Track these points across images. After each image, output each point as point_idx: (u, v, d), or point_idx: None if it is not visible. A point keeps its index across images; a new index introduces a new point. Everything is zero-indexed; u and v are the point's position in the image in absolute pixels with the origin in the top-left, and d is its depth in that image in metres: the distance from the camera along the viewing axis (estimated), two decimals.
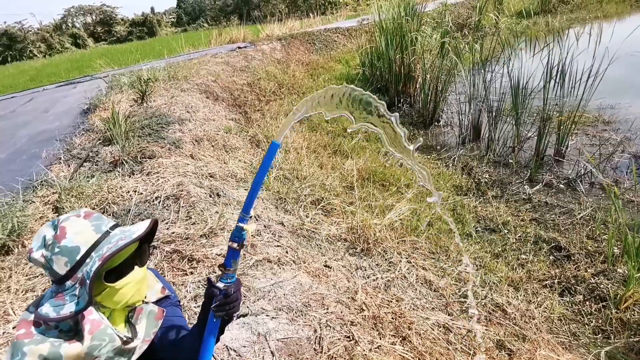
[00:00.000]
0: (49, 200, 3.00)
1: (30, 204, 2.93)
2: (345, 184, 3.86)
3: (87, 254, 0.85)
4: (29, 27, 21.28)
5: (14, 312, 2.06)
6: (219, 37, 11.66)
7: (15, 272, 2.29)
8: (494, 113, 4.51)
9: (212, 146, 4.34)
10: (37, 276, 2.29)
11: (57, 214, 2.81)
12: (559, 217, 3.33)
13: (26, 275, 2.28)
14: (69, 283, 0.86)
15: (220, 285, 0.95)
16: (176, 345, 1.04)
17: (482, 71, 4.66)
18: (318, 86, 7.72)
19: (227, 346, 1.69)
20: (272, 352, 1.66)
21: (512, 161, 4.19)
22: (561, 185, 3.77)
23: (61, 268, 0.85)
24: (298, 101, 6.78)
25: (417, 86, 6.24)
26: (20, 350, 0.83)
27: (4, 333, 1.95)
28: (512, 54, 4.22)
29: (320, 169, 4.19)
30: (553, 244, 3.02)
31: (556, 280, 2.70)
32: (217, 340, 1.05)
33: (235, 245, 0.94)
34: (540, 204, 3.53)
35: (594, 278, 2.63)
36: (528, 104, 4.32)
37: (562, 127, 4.08)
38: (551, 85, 4.18)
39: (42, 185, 3.24)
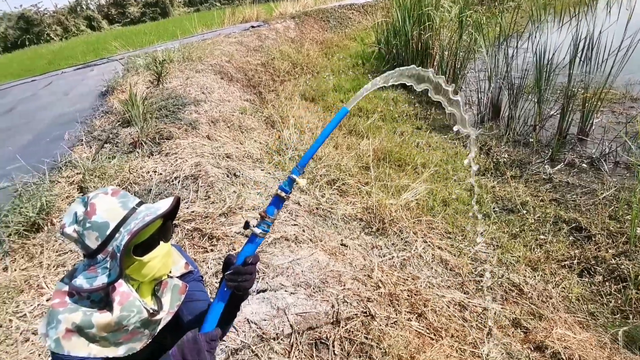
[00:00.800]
0: (73, 181, 3.11)
1: (56, 184, 3.04)
2: (360, 164, 3.85)
3: (117, 228, 0.89)
4: (44, 10, 21.45)
5: (46, 285, 2.18)
6: (232, 17, 11.51)
7: (47, 249, 2.41)
8: (515, 90, 4.36)
9: (228, 127, 4.37)
10: (67, 252, 2.40)
11: (82, 194, 2.92)
12: (580, 197, 3.25)
13: (56, 252, 2.40)
14: (100, 257, 0.90)
15: (257, 230, 0.97)
16: (197, 318, 1.09)
17: (504, 46, 4.48)
18: (332, 65, 7.59)
19: (247, 319, 1.76)
20: (291, 326, 1.72)
21: (532, 140, 4.08)
22: (584, 165, 3.66)
23: (92, 242, 0.88)
24: (312, 81, 6.71)
25: (435, 64, 6.06)
26: (55, 318, 0.89)
27: (38, 305, 2.08)
28: (537, 28, 4.03)
29: (336, 149, 4.17)
30: (573, 225, 2.97)
31: (575, 261, 2.67)
32: (232, 317, 1.07)
33: (283, 194, 0.96)
34: (561, 184, 3.45)
35: (615, 259, 2.59)
36: (552, 81, 4.15)
37: (587, 105, 3.92)
38: (577, 61, 4.00)
39: (66, 166, 3.35)
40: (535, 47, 4.07)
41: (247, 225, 0.98)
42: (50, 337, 0.88)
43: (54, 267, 2.28)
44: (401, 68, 1.08)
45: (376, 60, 7.44)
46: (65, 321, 0.89)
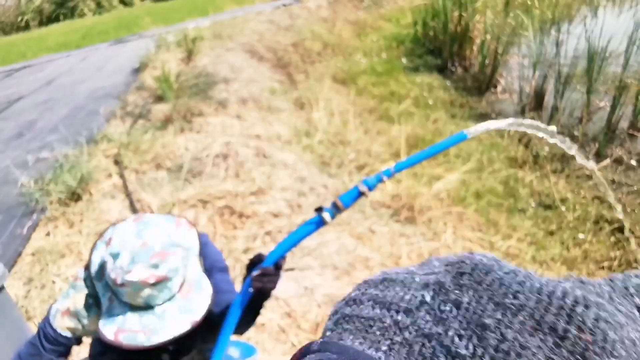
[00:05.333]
0: (109, 154, 3.21)
1: (94, 156, 3.14)
2: (391, 150, 3.76)
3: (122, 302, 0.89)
4: None
5: (86, 251, 2.28)
6: None
7: (86, 218, 2.51)
8: (562, 79, 4.09)
9: (257, 107, 4.35)
10: (104, 222, 2.49)
11: (116, 167, 3.00)
12: (626, 196, 3.05)
13: (95, 220, 2.50)
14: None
15: (328, 218, 0.94)
16: (223, 310, 1.08)
17: (554, 31, 4.18)
18: (365, 47, 7.38)
19: (276, 296, 1.77)
20: (318, 305, 1.73)
21: (577, 133, 3.84)
22: (633, 162, 3.42)
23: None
24: (343, 63, 6.56)
25: (475, 48, 5.76)
26: (69, 290, 0.97)
27: (79, 270, 2.18)
28: (592, 12, 3.72)
29: (365, 134, 4.09)
30: (616, 225, 2.80)
31: (615, 262, 2.53)
32: (254, 318, 1.06)
33: (364, 189, 0.93)
34: (606, 182, 3.25)
35: None
36: (603, 70, 3.86)
37: None
38: (634, 49, 3.69)
39: (102, 139, 3.45)
40: (588, 33, 3.77)
41: (320, 209, 0.95)
42: (55, 304, 0.94)
43: (92, 235, 2.38)
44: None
45: (411, 42, 7.17)
46: (71, 300, 0.94)
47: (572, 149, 1.04)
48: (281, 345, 1.61)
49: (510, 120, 0.98)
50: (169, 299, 0.88)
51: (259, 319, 1.64)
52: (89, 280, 0.95)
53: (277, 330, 1.66)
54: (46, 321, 0.96)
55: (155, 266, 0.83)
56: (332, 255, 2.11)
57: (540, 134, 1.01)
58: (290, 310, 1.73)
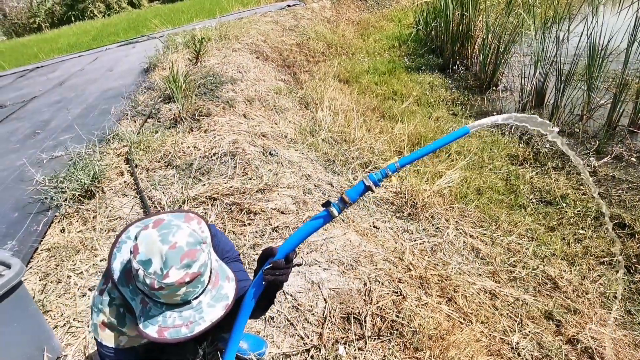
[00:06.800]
0: (121, 153, 3.30)
1: (106, 155, 3.24)
2: (394, 148, 3.82)
3: (159, 304, 0.94)
4: None
5: (100, 247, 2.37)
6: None
7: (99, 214, 2.60)
8: (563, 77, 4.12)
9: (263, 106, 4.43)
10: (116, 219, 2.59)
11: (128, 165, 3.10)
12: (626, 192, 3.10)
13: (107, 217, 2.59)
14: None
15: (335, 212, 0.99)
16: (239, 299, 1.13)
17: (555, 29, 4.21)
18: (368, 47, 7.44)
19: (284, 291, 1.85)
20: (324, 299, 1.80)
21: (578, 130, 3.88)
22: (633, 159, 3.46)
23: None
24: (347, 62, 6.63)
25: (476, 47, 5.80)
26: (97, 304, 1.03)
27: (93, 264, 2.27)
28: (593, 10, 3.76)
29: (369, 132, 4.16)
30: (616, 221, 2.85)
31: (616, 258, 2.58)
32: (268, 307, 1.11)
33: (370, 184, 0.97)
34: (606, 178, 3.29)
35: None
36: (604, 68, 3.89)
37: None
38: (635, 47, 3.71)
39: (114, 138, 3.55)
40: (589, 31, 3.80)
41: (327, 204, 0.99)
42: (92, 320, 1.00)
43: (105, 231, 2.47)
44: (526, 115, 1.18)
45: (413, 42, 7.21)
46: (103, 314, 0.99)
47: (564, 145, 1.12)
48: (289, 338, 1.68)
49: (512, 115, 1.05)
50: (203, 292, 0.94)
51: (269, 314, 1.73)
52: (114, 289, 0.99)
53: (286, 324, 1.73)
54: (98, 346, 1.01)
55: (188, 266, 0.88)
56: (338, 251, 2.18)
57: (537, 128, 1.09)
58: (297, 304, 1.80)
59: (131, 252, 0.90)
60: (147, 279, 0.86)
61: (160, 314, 0.91)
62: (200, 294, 0.94)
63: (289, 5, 9.10)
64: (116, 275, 0.97)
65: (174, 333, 0.90)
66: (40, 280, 2.16)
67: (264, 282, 1.01)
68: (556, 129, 1.11)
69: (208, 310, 0.93)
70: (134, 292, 0.94)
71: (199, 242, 0.92)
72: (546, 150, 3.72)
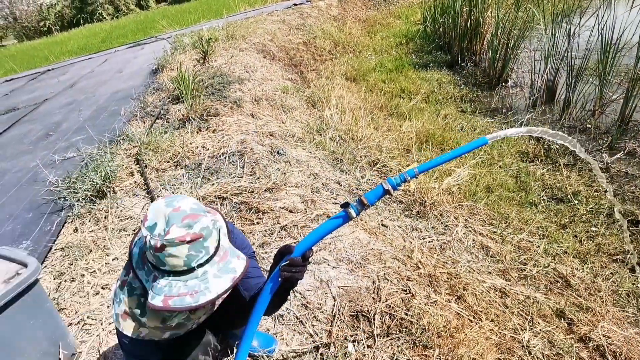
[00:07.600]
0: (131, 153, 3.35)
1: (117, 155, 3.29)
2: (402, 146, 3.81)
3: (163, 272, 0.95)
4: None
5: (112, 246, 2.41)
6: None
7: (110, 214, 2.65)
8: (574, 72, 4.05)
9: (271, 106, 4.45)
10: (127, 218, 2.63)
11: (138, 165, 3.14)
12: (639, 189, 3.04)
13: (119, 217, 2.64)
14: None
15: (353, 214, 1.00)
16: (253, 294, 1.17)
17: (565, 23, 4.14)
18: (375, 44, 7.41)
19: (294, 289, 1.86)
20: (333, 297, 1.81)
21: (590, 126, 3.81)
22: None
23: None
24: (354, 60, 6.61)
25: (485, 43, 5.74)
26: (119, 295, 1.06)
27: (106, 264, 2.31)
28: (604, 3, 3.69)
29: (376, 130, 4.15)
30: (630, 218, 2.80)
31: (629, 255, 2.53)
32: (282, 302, 1.13)
33: (389, 187, 0.98)
34: (619, 175, 3.24)
35: None
36: (617, 62, 3.82)
37: None
38: None
39: (124, 139, 3.60)
40: (601, 25, 3.73)
41: (346, 205, 1.00)
42: (114, 310, 1.03)
43: (117, 230, 2.51)
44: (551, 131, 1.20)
45: (421, 39, 7.16)
46: (124, 303, 1.02)
47: (588, 157, 1.13)
48: (299, 335, 1.69)
49: (529, 128, 1.05)
50: (208, 262, 0.94)
51: (279, 312, 1.74)
52: (135, 279, 1.02)
53: (295, 322, 1.74)
54: (119, 335, 1.03)
55: (189, 226, 0.90)
56: (347, 249, 2.18)
57: (559, 141, 1.09)
58: (306, 302, 1.81)
59: (142, 223, 0.93)
60: (152, 241, 0.90)
61: (167, 284, 0.92)
62: (205, 264, 0.94)
63: (295, 4, 9.10)
64: (134, 259, 1.00)
65: (178, 301, 0.90)
66: (54, 279, 2.20)
67: (280, 279, 1.01)
68: (580, 147, 1.17)
69: (214, 281, 0.93)
70: (148, 273, 0.97)
71: (203, 210, 0.95)
72: (557, 147, 3.67)
